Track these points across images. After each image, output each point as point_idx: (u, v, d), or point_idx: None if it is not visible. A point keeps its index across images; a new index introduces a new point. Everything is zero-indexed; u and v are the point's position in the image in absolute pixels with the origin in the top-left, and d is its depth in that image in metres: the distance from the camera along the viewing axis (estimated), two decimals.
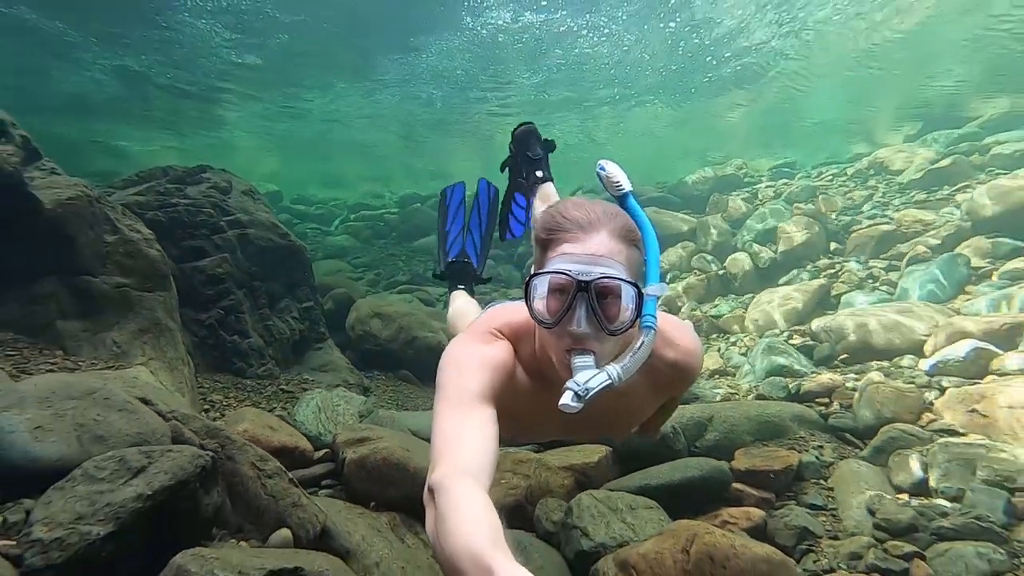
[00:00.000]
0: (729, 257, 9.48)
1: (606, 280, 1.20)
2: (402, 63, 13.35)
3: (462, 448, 1.10)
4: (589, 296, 1.20)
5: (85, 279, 3.97)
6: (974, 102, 13.14)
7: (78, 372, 3.24)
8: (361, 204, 23.34)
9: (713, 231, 10.28)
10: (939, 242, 7.38)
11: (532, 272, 1.28)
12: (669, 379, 1.53)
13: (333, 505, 3.30)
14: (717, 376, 6.65)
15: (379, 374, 7.17)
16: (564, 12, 11.39)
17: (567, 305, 1.21)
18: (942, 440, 3.88)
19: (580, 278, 1.19)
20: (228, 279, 5.98)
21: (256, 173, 24.11)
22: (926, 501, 3.55)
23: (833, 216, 9.69)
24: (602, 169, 1.66)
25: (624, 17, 11.87)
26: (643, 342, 1.29)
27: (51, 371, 3.19)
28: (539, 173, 2.77)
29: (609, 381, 1.21)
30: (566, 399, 1.18)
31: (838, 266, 8.26)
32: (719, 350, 7.21)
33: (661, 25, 12.24)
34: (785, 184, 12.02)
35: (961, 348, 4.74)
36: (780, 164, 14.15)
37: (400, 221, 17.20)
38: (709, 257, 9.89)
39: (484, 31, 11.66)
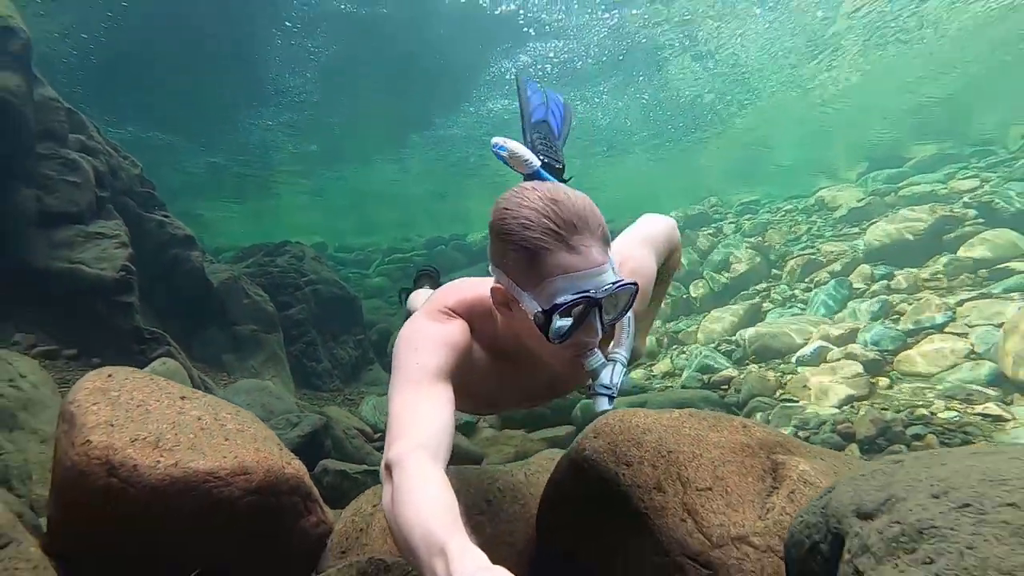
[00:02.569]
0: (692, 283, 11.49)
1: (619, 289, 1.14)
2: (427, 137, 15.92)
3: (419, 425, 1.07)
4: (600, 307, 1.15)
5: (235, 328, 6.30)
6: (910, 146, 14.99)
7: (246, 381, 5.50)
8: (393, 248, 25.90)
9: (683, 261, 12.29)
10: (840, 268, 9.29)
11: (525, 290, 1.14)
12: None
13: None
14: (666, 376, 8.62)
15: None
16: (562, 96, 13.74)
17: (579, 320, 1.14)
18: (781, 405, 5.85)
19: (597, 296, 1.12)
20: (306, 323, 8.29)
21: (303, 227, 27.13)
22: None
23: (777, 246, 11.64)
24: (501, 149, 1.54)
25: (605, 92, 14.16)
26: (629, 318, 1.30)
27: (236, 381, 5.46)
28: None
29: (625, 369, 1.23)
30: (604, 405, 1.20)
31: (771, 289, 10.20)
32: (671, 357, 9.19)
33: (638, 96, 14.52)
34: (748, 219, 13.99)
35: (810, 347, 6.71)
36: (747, 201, 16.09)
37: (428, 262, 19.80)
38: (677, 284, 11.89)
39: (491, 113, 14.08)
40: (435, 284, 3.06)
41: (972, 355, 5.52)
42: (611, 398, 1.20)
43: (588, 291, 1.11)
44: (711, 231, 13.51)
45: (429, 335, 1.27)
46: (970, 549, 0.81)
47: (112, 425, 2.00)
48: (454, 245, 20.42)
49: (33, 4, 7.00)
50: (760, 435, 1.96)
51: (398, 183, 21.17)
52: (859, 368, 5.90)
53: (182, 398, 2.29)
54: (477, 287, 1.37)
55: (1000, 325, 5.46)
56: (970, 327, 5.90)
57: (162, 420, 2.10)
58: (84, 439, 1.93)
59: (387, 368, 8.78)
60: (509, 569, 0.78)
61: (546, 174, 1.57)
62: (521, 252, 1.13)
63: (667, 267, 1.75)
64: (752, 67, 13.24)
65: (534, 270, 1.12)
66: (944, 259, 7.93)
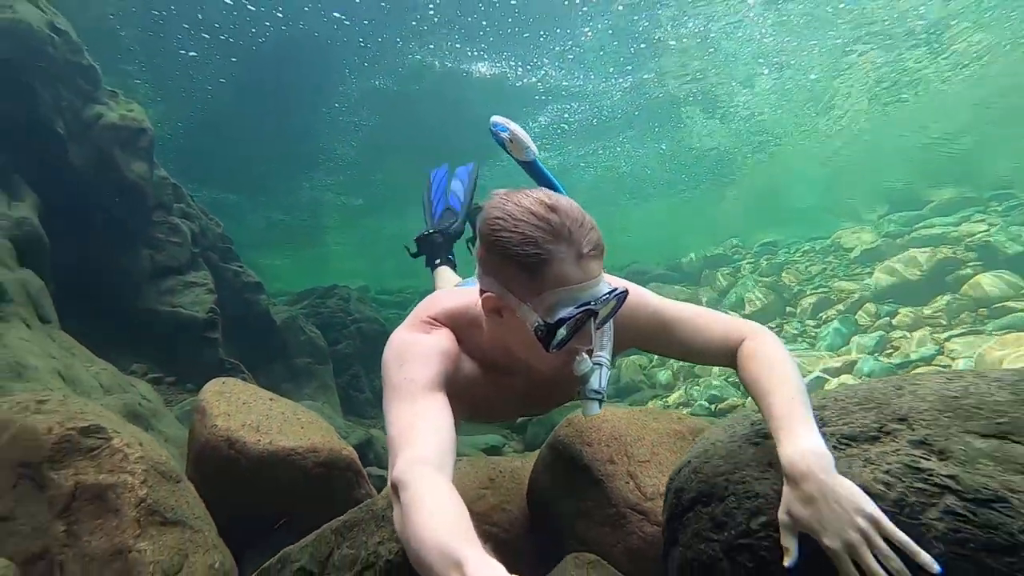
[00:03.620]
0: None
1: (615, 298, 1.16)
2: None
3: (419, 440, 1.04)
4: (595, 315, 1.15)
5: (293, 361, 7.29)
6: (929, 190, 15.25)
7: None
8: (427, 290, 27.08)
9: (703, 299, 12.82)
10: (849, 306, 9.71)
11: (525, 300, 1.12)
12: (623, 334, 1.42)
13: None
14: (679, 406, 9.11)
15: None
16: (583, 149, 14.78)
17: (575, 329, 1.14)
18: None
19: (595, 307, 1.12)
20: (352, 357, 9.24)
21: (348, 272, 28.80)
22: None
23: (792, 286, 12.09)
24: (503, 129, 1.49)
25: (626, 140, 15.07)
26: (608, 323, 1.29)
27: None
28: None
29: (609, 372, 1.25)
30: (594, 409, 1.23)
31: (783, 325, 10.64)
32: (685, 389, 9.68)
33: (655, 145, 15.43)
34: (767, 259, 14.45)
35: (810, 377, 7.21)
36: (767, 242, 16.54)
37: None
38: None
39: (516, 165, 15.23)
40: (446, 246, 3.17)
41: None
42: (600, 402, 1.20)
43: (589, 303, 1.11)
44: (729, 271, 14.02)
45: (416, 347, 1.24)
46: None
47: (228, 415, 2.91)
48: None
49: (145, 100, 8.51)
50: (691, 423, 2.64)
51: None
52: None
53: (270, 399, 3.20)
54: (459, 297, 1.36)
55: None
56: (953, 360, 6.32)
57: (259, 413, 3.00)
58: (212, 423, 2.83)
59: None
60: (508, 526, 1.01)
61: (541, 165, 1.39)
62: (519, 264, 1.10)
63: None
64: (765, 119, 14.01)
65: (534, 282, 1.11)
66: (946, 298, 8.31)
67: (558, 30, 8.79)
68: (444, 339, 1.29)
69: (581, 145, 13.98)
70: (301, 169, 14.59)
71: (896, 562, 0.92)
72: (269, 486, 2.79)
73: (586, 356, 1.20)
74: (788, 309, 11.34)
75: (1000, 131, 14.38)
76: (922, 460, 1.08)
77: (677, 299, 1.56)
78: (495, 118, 1.50)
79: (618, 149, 15.22)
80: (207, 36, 8.81)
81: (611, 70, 10.14)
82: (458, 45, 9.05)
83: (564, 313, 1.11)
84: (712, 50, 10.26)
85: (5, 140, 5.22)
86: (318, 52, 9.31)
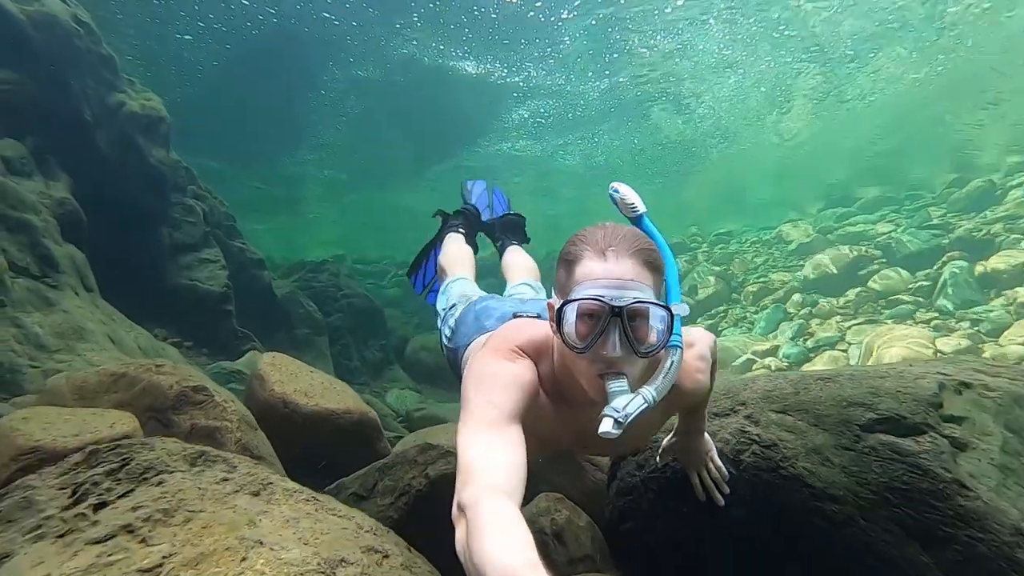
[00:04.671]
0: None
1: (639, 305, 1.15)
2: (442, 169, 17.65)
3: (492, 467, 1.04)
4: (622, 320, 1.14)
5: (294, 332, 7.95)
6: (860, 188, 16.61)
7: None
8: (405, 262, 27.44)
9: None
10: (782, 295, 10.87)
11: (563, 299, 1.20)
12: (681, 397, 1.45)
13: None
14: None
15: (426, 384, 10.91)
16: (561, 140, 15.43)
17: (600, 330, 1.15)
18: None
19: (614, 303, 1.13)
20: (342, 329, 9.93)
21: (327, 241, 28.92)
22: None
23: (739, 275, 13.24)
24: (615, 192, 1.56)
25: (604, 132, 15.72)
26: (673, 362, 1.25)
27: None
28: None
29: (646, 404, 1.16)
30: (606, 426, 1.12)
31: (729, 311, 11.79)
32: None
33: (629, 138, 16.19)
34: (721, 248, 15.59)
35: (742, 359, 8.30)
36: (722, 232, 17.70)
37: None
38: None
39: (499, 152, 15.81)
40: (471, 227, 3.01)
41: (847, 366, 7.09)
42: (617, 423, 1.12)
43: (603, 296, 1.13)
44: (687, 258, 15.11)
45: (501, 375, 1.25)
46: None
47: (282, 382, 3.67)
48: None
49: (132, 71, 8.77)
50: None
51: (414, 206, 22.97)
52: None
53: (311, 372, 3.96)
54: (542, 327, 1.37)
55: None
56: (850, 345, 7.48)
57: (305, 381, 3.76)
58: (271, 388, 3.59)
59: (406, 369, 10.37)
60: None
61: (649, 222, 1.50)
62: (564, 263, 1.22)
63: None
64: (726, 117, 14.94)
65: (570, 277, 1.19)
66: (856, 291, 9.52)
67: (537, 39, 9.42)
68: (527, 370, 1.29)
69: (559, 136, 14.65)
70: (285, 146, 14.86)
71: (715, 473, 1.80)
72: (315, 437, 3.58)
73: (625, 381, 1.16)
74: (734, 296, 12.49)
75: (917, 140, 15.74)
76: (747, 426, 1.95)
77: None
78: (613, 184, 1.61)
79: (594, 140, 15.92)
80: (202, 24, 9.08)
81: (590, 74, 10.82)
82: (442, 46, 9.58)
83: (572, 294, 1.17)
84: (679, 60, 11.04)
85: (39, 126, 5.63)
86: (308, 44, 9.68)
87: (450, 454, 2.68)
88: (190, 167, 7.16)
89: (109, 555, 1.07)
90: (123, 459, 1.26)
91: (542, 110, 12.65)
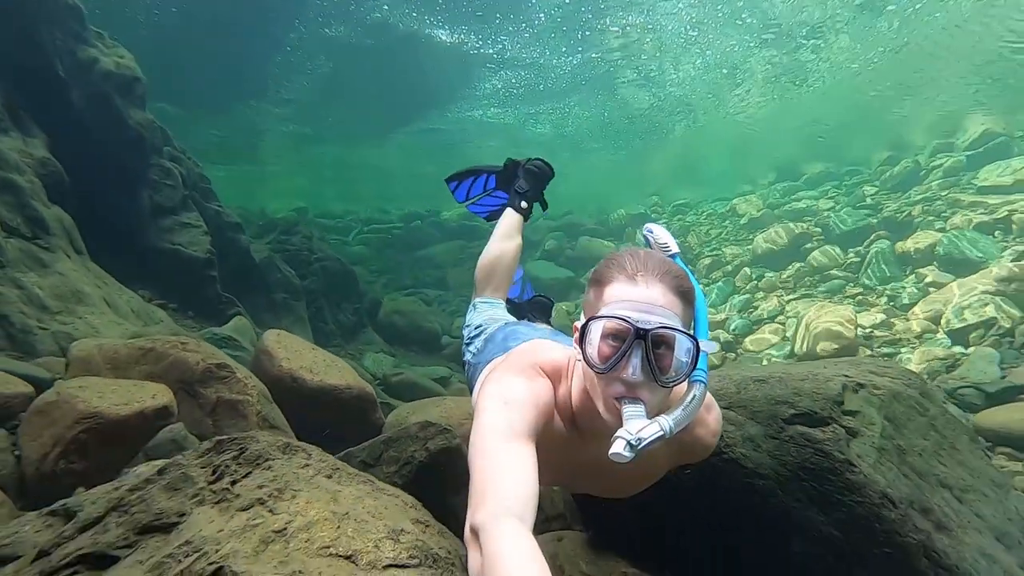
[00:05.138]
0: None
1: (665, 330, 1.12)
2: (410, 131, 17.44)
3: (506, 487, 1.03)
4: (646, 344, 1.12)
5: (273, 297, 8.11)
6: (806, 163, 17.48)
7: None
8: (372, 219, 27.05)
9: None
10: (732, 269, 11.63)
11: (587, 315, 1.19)
12: (691, 455, 1.45)
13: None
14: None
15: (399, 347, 11.27)
16: (533, 109, 15.46)
17: (623, 351, 1.12)
18: None
19: (639, 325, 1.11)
20: (317, 292, 10.08)
21: (286, 192, 28.09)
22: None
23: (695, 247, 13.94)
24: (650, 232, 1.56)
25: (575, 104, 15.88)
26: (695, 396, 1.19)
27: None
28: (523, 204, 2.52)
29: (661, 433, 1.11)
30: (617, 448, 1.08)
31: None
32: None
33: (599, 110, 16.40)
34: (679, 219, 16.24)
35: None
36: (681, 203, 18.35)
37: (405, 235, 20.20)
38: None
39: (471, 119, 15.74)
40: (533, 197, 2.57)
41: (783, 339, 7.89)
42: (630, 445, 1.07)
43: (630, 317, 1.12)
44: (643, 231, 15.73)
45: (517, 391, 1.23)
46: None
47: (289, 359, 4.00)
48: (430, 222, 21.79)
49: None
50: None
51: (379, 164, 22.60)
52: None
53: (312, 349, 4.29)
54: (564, 351, 1.37)
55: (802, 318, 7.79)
56: (787, 319, 8.27)
57: (309, 359, 4.10)
58: (279, 364, 3.92)
59: (379, 331, 10.67)
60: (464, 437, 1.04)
61: (681, 261, 1.45)
62: (594, 283, 1.22)
63: None
64: (689, 93, 15.35)
65: (599, 298, 1.19)
66: (797, 266, 10.32)
67: (512, 14, 9.45)
68: (545, 390, 1.28)
69: (531, 105, 14.75)
70: (245, 96, 14.35)
71: None
72: (319, 409, 3.95)
73: (642, 407, 1.13)
74: (689, 269, 13.19)
75: (858, 120, 16.67)
76: None
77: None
78: (648, 224, 1.59)
79: (565, 111, 16.07)
80: None
81: (563, 49, 10.94)
82: (415, 14, 9.49)
83: (599, 313, 1.15)
84: (648, 38, 11.27)
85: (8, 80, 5.43)
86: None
87: (448, 431, 3.00)
88: (165, 128, 7.04)
89: (252, 520, 1.44)
90: (240, 448, 1.62)
91: (514, 81, 12.71)
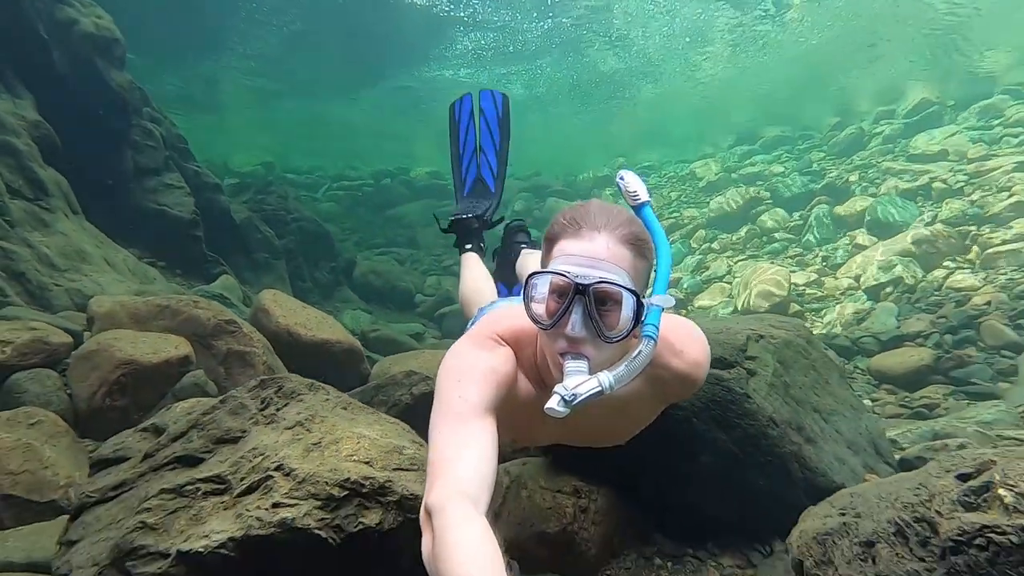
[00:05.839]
0: None
1: (604, 285, 1.09)
2: (381, 88, 17.16)
3: (461, 466, 1.00)
4: (587, 300, 1.09)
5: (253, 256, 8.35)
6: (763, 127, 18.05)
7: None
8: (341, 175, 26.62)
9: None
10: (688, 231, 12.27)
11: (533, 271, 1.17)
12: (675, 390, 1.40)
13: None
14: None
15: (376, 305, 11.64)
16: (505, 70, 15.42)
17: (564, 308, 1.10)
18: None
19: (578, 281, 1.09)
20: (294, 252, 10.29)
21: (248, 143, 27.24)
22: None
23: (655, 209, 14.49)
24: (621, 179, 1.48)
25: (542, 66, 15.94)
26: (640, 351, 1.16)
27: None
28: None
29: (599, 389, 1.10)
30: (552, 403, 1.08)
31: None
32: None
33: (569, 72, 16.48)
34: (644, 181, 16.71)
35: None
36: (645, 165, 18.80)
37: (375, 193, 19.99)
38: None
39: (441, 78, 15.61)
40: (479, 232, 2.76)
41: (729, 297, 8.62)
42: (564, 401, 1.07)
43: (569, 272, 1.09)
44: (612, 191, 16.19)
45: (474, 365, 1.20)
46: None
47: (284, 316, 4.41)
48: (399, 180, 21.71)
49: None
50: None
51: (348, 119, 22.16)
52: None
53: (303, 307, 4.70)
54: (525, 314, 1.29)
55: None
56: (734, 278, 9.00)
57: (302, 316, 4.52)
58: (276, 320, 4.33)
59: (355, 290, 11.02)
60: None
61: (649, 211, 1.37)
62: (546, 241, 1.21)
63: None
64: (655, 58, 15.58)
65: (548, 255, 1.18)
66: (747, 228, 11.01)
67: None
68: (503, 360, 1.25)
69: (502, 66, 14.74)
70: (206, 50, 13.88)
71: None
72: (313, 360, 4.40)
73: (584, 363, 1.12)
74: (656, 219, 13.80)
75: (812, 86, 17.26)
76: None
77: None
78: (621, 172, 1.51)
79: (536, 72, 16.09)
80: None
81: (534, 14, 10.99)
82: None
83: (541, 268, 1.12)
84: (616, 4, 11.42)
85: None
86: None
87: (429, 378, 3.38)
88: (144, 88, 7.05)
89: (296, 435, 1.92)
90: (279, 386, 2.07)
91: (484, 43, 12.71)
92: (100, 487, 1.77)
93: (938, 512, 1.64)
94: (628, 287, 1.11)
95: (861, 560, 1.83)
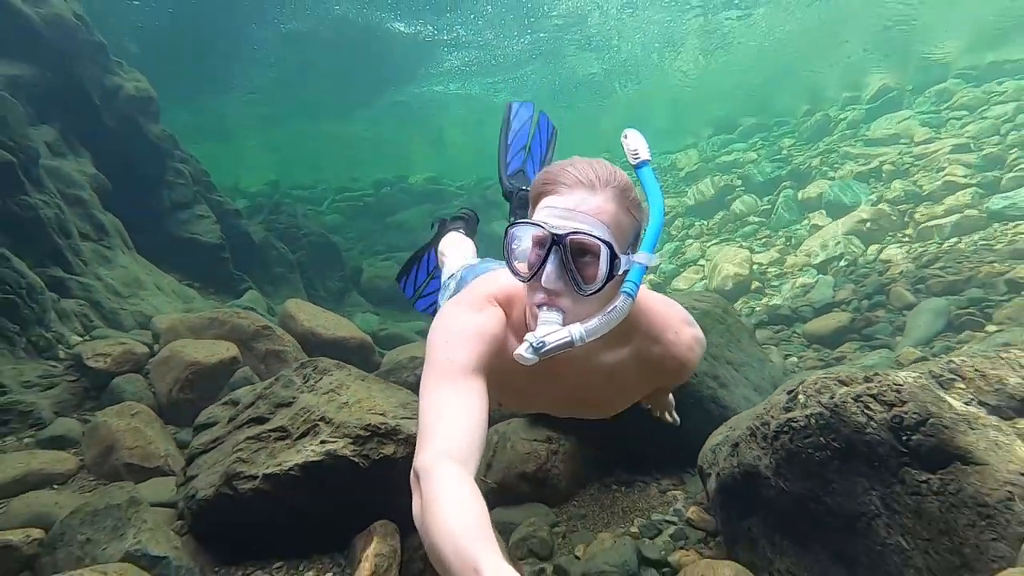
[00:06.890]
0: None
1: (580, 236, 1.06)
2: (371, 108, 17.94)
3: (449, 428, 0.99)
4: (563, 251, 1.07)
5: (271, 271, 9.14)
6: (740, 117, 18.64)
7: None
8: (343, 187, 27.35)
9: None
10: (668, 219, 12.94)
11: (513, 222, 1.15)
12: (667, 370, 1.34)
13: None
14: None
15: (382, 307, 12.42)
16: (491, 79, 16.20)
17: (542, 259, 1.08)
18: None
19: (553, 231, 1.06)
20: (306, 265, 11.09)
21: (254, 163, 28.09)
22: None
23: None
24: (625, 137, 1.36)
25: (530, 72, 16.63)
26: (616, 306, 1.10)
27: None
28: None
29: (568, 339, 1.07)
30: (521, 349, 1.06)
31: None
32: None
33: (552, 78, 17.19)
34: (628, 175, 17.37)
35: None
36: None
37: (376, 202, 20.40)
38: None
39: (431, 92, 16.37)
40: (470, 229, 2.70)
41: (703, 278, 9.31)
42: (532, 348, 1.05)
43: (545, 222, 1.07)
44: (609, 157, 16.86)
45: (462, 326, 1.18)
46: None
47: (307, 320, 5.19)
48: (398, 188, 22.38)
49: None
50: None
51: (346, 134, 22.98)
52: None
53: (322, 312, 5.48)
54: None
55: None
56: (707, 261, 9.68)
57: (322, 319, 5.31)
58: (300, 323, 5.12)
59: (363, 295, 11.82)
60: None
61: (648, 171, 1.25)
62: (531, 197, 1.16)
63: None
64: (631, 60, 16.24)
65: (532, 210, 1.14)
66: (721, 214, 11.66)
67: (461, 6, 10.17)
68: (494, 319, 1.22)
69: (488, 76, 15.46)
70: (216, 88, 14.72)
71: (669, 420, 1.93)
72: (333, 354, 5.16)
73: (558, 315, 1.08)
74: (657, 177, 14.46)
75: (786, 77, 17.84)
76: None
77: None
78: (627, 130, 1.39)
79: (521, 81, 16.80)
80: None
81: (515, 33, 11.69)
82: (364, 10, 10.13)
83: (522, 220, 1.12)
84: (592, 13, 12.08)
85: (60, 110, 6.35)
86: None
87: None
88: (174, 135, 7.87)
89: (331, 398, 2.70)
90: (315, 365, 2.85)
91: (469, 59, 13.43)
92: (203, 441, 2.55)
93: (771, 416, 2.38)
94: (603, 239, 1.06)
95: (731, 456, 2.57)
